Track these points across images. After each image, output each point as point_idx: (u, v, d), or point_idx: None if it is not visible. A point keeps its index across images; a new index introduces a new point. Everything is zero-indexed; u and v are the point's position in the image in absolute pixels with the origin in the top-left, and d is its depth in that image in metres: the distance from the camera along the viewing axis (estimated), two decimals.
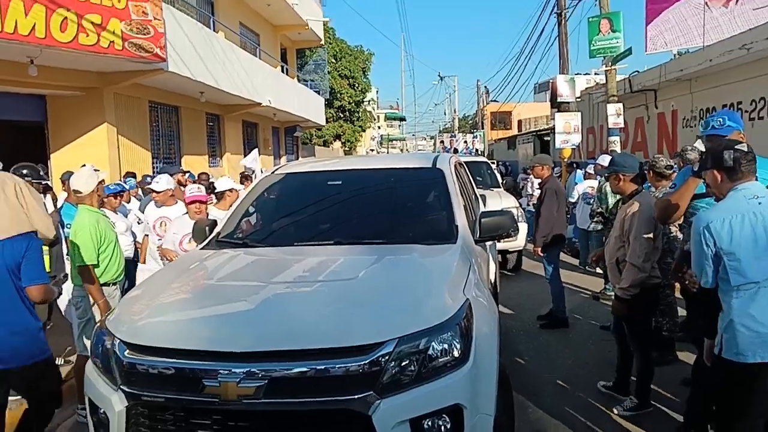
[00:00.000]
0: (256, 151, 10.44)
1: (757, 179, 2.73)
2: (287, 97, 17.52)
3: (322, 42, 23.58)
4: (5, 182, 3.02)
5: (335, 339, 2.29)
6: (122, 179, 8.91)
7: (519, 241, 8.62)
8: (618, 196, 4.79)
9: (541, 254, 6.49)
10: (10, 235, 2.95)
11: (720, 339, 2.66)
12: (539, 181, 6.98)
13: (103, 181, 4.85)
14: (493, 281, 4.95)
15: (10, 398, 3.32)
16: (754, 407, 2.64)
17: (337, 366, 2.22)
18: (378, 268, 2.95)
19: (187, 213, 5.25)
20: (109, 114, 9.94)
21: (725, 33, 13.87)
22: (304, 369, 2.23)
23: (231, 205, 5.62)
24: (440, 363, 2.33)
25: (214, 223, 3.99)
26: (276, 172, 4.47)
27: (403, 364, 2.26)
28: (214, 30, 13.57)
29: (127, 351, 2.44)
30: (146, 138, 11.33)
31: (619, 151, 13.43)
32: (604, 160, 9.28)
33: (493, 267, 5.21)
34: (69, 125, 9.77)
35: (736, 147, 2.67)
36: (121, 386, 2.41)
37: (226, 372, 2.24)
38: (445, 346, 2.35)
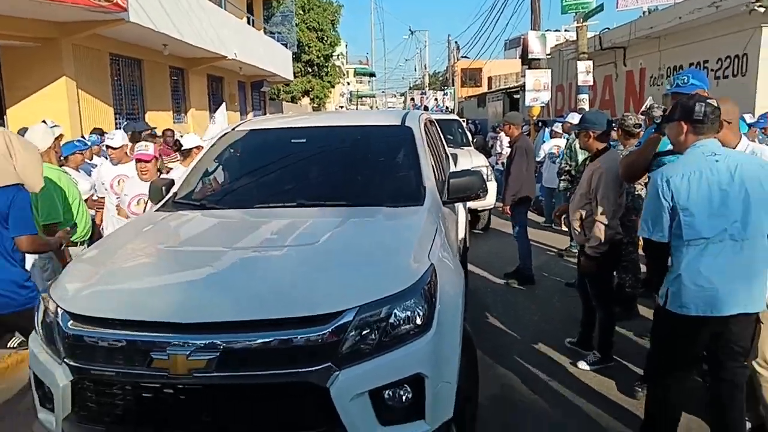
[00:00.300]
0: (223, 106, 10.21)
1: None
2: (254, 50, 17.06)
3: None
4: None
5: (291, 309, 2.18)
6: (83, 136, 8.64)
7: (489, 200, 8.62)
8: (586, 154, 4.90)
9: (510, 213, 6.58)
10: None
11: (666, 291, 2.77)
12: (509, 139, 7.01)
13: (60, 136, 4.71)
14: (461, 241, 4.94)
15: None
16: (686, 358, 2.83)
17: (292, 337, 2.13)
18: (340, 231, 2.82)
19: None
20: (67, 66, 9.54)
21: None
22: (257, 340, 2.13)
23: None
24: (402, 331, 2.25)
25: (172, 183, 3.78)
26: (237, 129, 4.23)
27: (364, 333, 2.18)
28: None
29: (71, 322, 2.30)
30: (108, 92, 10.95)
31: (587, 109, 13.53)
32: (573, 118, 9.35)
33: (462, 227, 5.19)
34: (25, 78, 9.35)
35: (707, 101, 2.72)
36: (65, 359, 2.28)
37: (175, 344, 2.13)
38: (408, 313, 2.27)
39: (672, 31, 12.47)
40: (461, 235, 5.01)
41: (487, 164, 9.26)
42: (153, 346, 2.15)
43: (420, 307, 2.30)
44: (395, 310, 2.24)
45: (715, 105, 2.71)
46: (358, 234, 2.90)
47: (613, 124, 6.66)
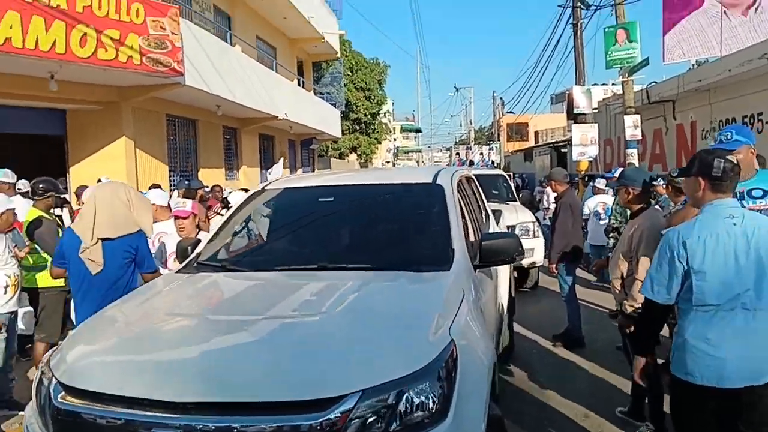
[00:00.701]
0: (281, 161, 10.58)
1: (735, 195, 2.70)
2: (303, 110, 17.63)
3: (338, 55, 23.74)
4: (119, 190, 3.80)
5: (287, 391, 1.98)
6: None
7: (537, 257, 8.48)
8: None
9: (556, 271, 6.40)
10: (125, 233, 3.71)
11: (671, 355, 2.66)
12: (555, 194, 6.90)
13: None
14: (503, 307, 4.66)
15: None
16: (695, 426, 2.64)
17: (286, 424, 1.91)
18: (355, 299, 2.65)
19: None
20: (127, 128, 10.07)
21: (744, 42, 13.68)
22: (247, 425, 1.93)
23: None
24: (414, 420, 1.99)
25: (198, 242, 3.72)
26: (266, 189, 4.12)
27: (369, 421, 1.93)
28: (230, 44, 13.73)
29: (62, 394, 2.17)
30: (163, 151, 11.45)
31: (636, 164, 13.30)
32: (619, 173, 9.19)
33: (505, 290, 4.92)
34: (88, 139, 9.91)
35: (727, 157, 2.58)
36: None
37: (162, 424, 1.98)
38: (422, 398, 2.01)
39: (722, 84, 12.24)
40: (504, 299, 4.77)
41: (533, 220, 9.06)
42: (139, 425, 2.01)
43: (435, 392, 2.05)
44: (406, 395, 2.00)
45: (735, 162, 2.57)
46: (373, 303, 2.69)
47: (662, 180, 6.50)
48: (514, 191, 10.53)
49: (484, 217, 5.10)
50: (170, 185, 11.15)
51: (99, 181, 9.04)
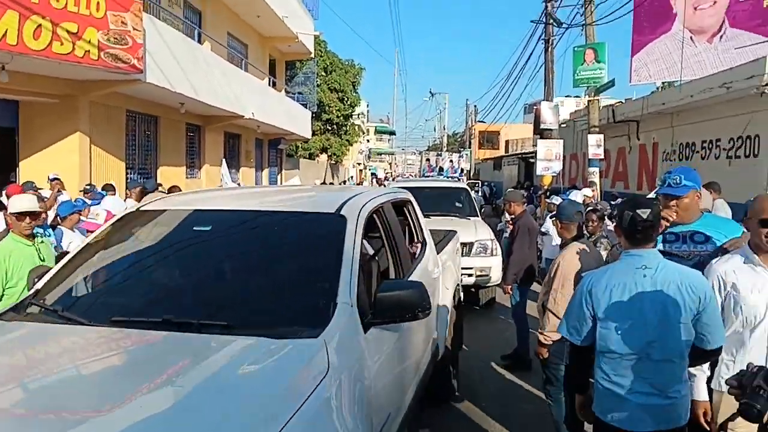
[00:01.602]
0: (225, 168, 10.48)
1: (656, 245, 2.72)
2: (272, 110, 17.41)
3: (313, 55, 23.55)
4: None
5: None
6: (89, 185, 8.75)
7: (493, 276, 8.19)
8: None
9: (510, 292, 6.44)
10: None
11: (590, 390, 2.76)
12: (512, 217, 6.93)
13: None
14: (425, 361, 3.97)
15: None
16: None
17: None
18: (158, 394, 2.01)
19: None
20: (83, 123, 9.76)
21: (708, 68, 14.03)
22: None
23: None
24: None
25: (48, 270, 3.10)
26: (144, 209, 3.47)
27: None
28: (199, 41, 13.47)
29: None
30: (121, 148, 11.16)
31: (597, 181, 13.49)
32: (576, 196, 9.28)
33: (431, 341, 4.19)
34: (41, 132, 9.58)
35: (637, 210, 2.56)
36: None
37: None
38: None
39: (684, 109, 12.49)
40: (426, 356, 3.99)
41: (492, 237, 8.68)
42: None
43: None
44: None
45: (645, 217, 2.53)
46: (176, 401, 1.98)
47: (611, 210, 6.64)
48: (476, 206, 10.25)
49: (419, 249, 4.60)
50: (126, 183, 10.88)
51: (48, 177, 8.77)
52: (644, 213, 2.57)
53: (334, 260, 2.76)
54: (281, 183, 20.87)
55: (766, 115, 9.98)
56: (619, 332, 2.50)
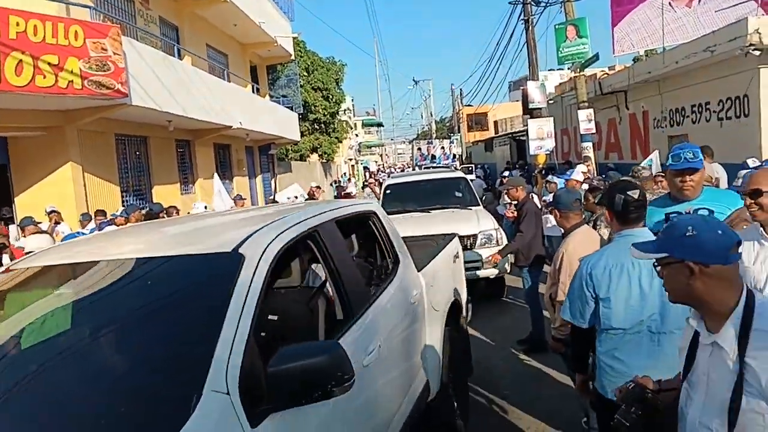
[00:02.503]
0: (218, 182, 10.49)
1: (645, 224, 2.83)
2: (259, 117, 17.35)
3: (293, 57, 23.44)
4: None
5: None
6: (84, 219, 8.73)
7: (501, 269, 7.91)
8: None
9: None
10: None
11: (590, 369, 2.94)
12: (515, 202, 6.99)
13: None
14: (405, 414, 3.23)
15: None
16: None
17: None
18: None
19: None
20: (73, 152, 9.72)
21: (690, 32, 14.03)
22: None
23: None
24: None
25: None
26: (12, 267, 2.81)
27: None
28: (179, 56, 13.40)
29: None
30: (114, 172, 11.11)
31: (591, 155, 13.50)
32: (578, 175, 9.29)
33: (397, 403, 3.19)
34: (32, 166, 9.54)
35: (628, 192, 2.74)
36: None
37: None
38: None
39: (670, 75, 12.50)
40: (404, 406, 3.25)
41: (496, 226, 8.37)
42: None
43: None
44: None
45: (636, 197, 2.71)
46: None
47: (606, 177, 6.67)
48: (476, 194, 9.93)
49: (389, 269, 3.84)
50: (123, 206, 10.86)
51: (46, 210, 8.74)
52: (634, 194, 2.74)
53: (210, 323, 1.98)
54: (276, 188, 20.85)
55: (754, 75, 10.00)
56: (621, 309, 2.66)
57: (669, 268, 1.75)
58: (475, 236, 8.02)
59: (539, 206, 7.46)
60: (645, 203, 2.79)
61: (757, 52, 9.51)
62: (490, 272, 7.89)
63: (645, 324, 2.63)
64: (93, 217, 8.78)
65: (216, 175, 11.58)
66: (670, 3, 14.31)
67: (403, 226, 8.04)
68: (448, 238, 5.53)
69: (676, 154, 3.18)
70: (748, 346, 1.61)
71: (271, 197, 15.39)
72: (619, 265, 2.68)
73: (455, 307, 4.72)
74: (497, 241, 8.05)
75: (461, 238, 7.51)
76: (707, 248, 1.66)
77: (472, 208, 9.14)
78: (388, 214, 8.80)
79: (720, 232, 1.68)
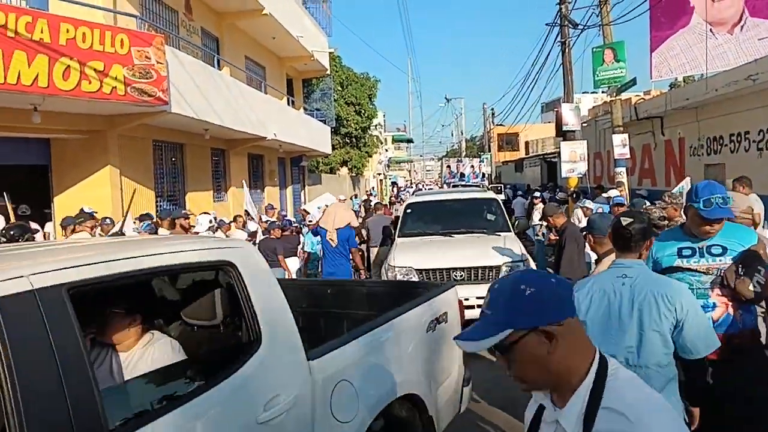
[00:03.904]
0: (247, 191, 10.57)
1: (641, 256, 2.78)
2: (293, 129, 17.57)
3: (328, 71, 23.73)
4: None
5: None
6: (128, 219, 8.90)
7: None
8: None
9: None
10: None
11: None
12: (556, 228, 6.98)
13: None
14: None
15: None
16: None
17: None
18: None
19: None
20: (113, 156, 9.96)
21: (731, 59, 13.80)
22: None
23: None
24: None
25: None
26: None
27: None
28: (218, 67, 13.68)
29: None
30: (150, 177, 11.35)
31: (625, 181, 13.33)
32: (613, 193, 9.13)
33: None
34: (73, 168, 9.80)
35: (621, 218, 2.79)
36: None
37: None
38: None
39: (709, 102, 12.32)
40: None
41: (524, 257, 7.59)
42: None
43: None
44: None
45: (629, 225, 2.71)
46: None
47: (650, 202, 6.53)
48: (508, 219, 9.00)
49: (247, 345, 2.62)
50: (156, 212, 11.06)
51: (81, 210, 8.95)
52: (625, 221, 2.74)
53: None
54: (306, 199, 21.03)
55: None
56: (598, 335, 2.61)
57: (518, 347, 1.29)
58: (498, 268, 7.34)
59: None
60: (634, 235, 2.71)
61: None
62: None
63: (622, 356, 2.57)
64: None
65: (244, 182, 11.69)
66: (711, 30, 14.12)
67: (411, 252, 7.77)
68: (442, 287, 4.11)
69: (707, 199, 2.95)
70: (594, 428, 1.28)
71: (302, 208, 15.50)
72: (601, 291, 2.67)
73: (414, 414, 3.38)
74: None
75: (482, 269, 7.33)
76: (554, 301, 1.32)
77: (502, 234, 8.33)
78: (406, 236, 8.57)
79: (553, 280, 1.36)
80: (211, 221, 8.61)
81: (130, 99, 8.60)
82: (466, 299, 6.08)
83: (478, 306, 6.20)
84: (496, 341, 1.28)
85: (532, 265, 7.68)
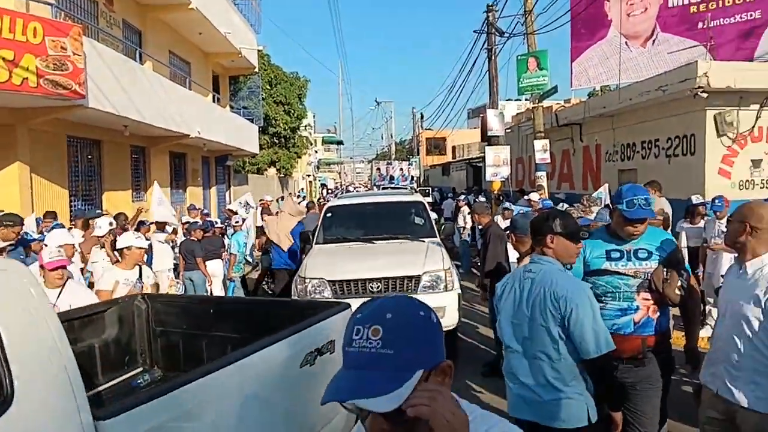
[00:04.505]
0: (158, 192, 10.15)
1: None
2: (218, 127, 17.13)
3: (257, 69, 23.29)
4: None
5: None
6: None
7: (449, 319, 6.45)
8: None
9: (486, 301, 6.67)
10: None
11: None
12: (480, 227, 7.21)
13: None
14: None
15: None
16: None
17: None
18: None
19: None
20: (22, 152, 9.36)
21: (644, 71, 14.65)
22: None
23: (136, 264, 5.22)
24: None
25: None
26: None
27: None
28: (140, 61, 13.14)
29: None
30: (64, 175, 10.74)
31: (545, 185, 13.86)
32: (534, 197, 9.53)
33: None
34: None
35: (529, 218, 3.07)
36: None
37: None
38: None
39: (623, 111, 13.00)
40: None
41: (446, 266, 6.80)
42: None
43: None
44: None
45: (536, 219, 2.94)
46: None
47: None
48: (434, 223, 8.40)
49: None
50: (70, 212, 10.49)
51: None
52: (533, 216, 3.04)
53: None
54: (231, 200, 20.54)
55: (700, 116, 10.50)
56: (506, 324, 2.83)
57: (419, 397, 1.01)
58: (418, 278, 6.59)
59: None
60: (534, 232, 2.89)
61: (705, 94, 10.01)
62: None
63: (522, 345, 2.75)
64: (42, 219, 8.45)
65: (156, 184, 11.21)
66: (626, 42, 14.93)
67: (324, 261, 7.00)
68: (333, 309, 3.62)
69: (630, 200, 3.09)
70: None
71: (227, 208, 15.14)
72: (510, 285, 2.86)
73: None
74: (447, 285, 6.62)
75: (401, 280, 6.59)
76: (439, 336, 1.12)
77: (426, 240, 7.70)
78: (326, 242, 8.01)
79: (417, 302, 1.15)
80: (111, 223, 8.09)
81: (42, 91, 8.12)
82: None
83: None
84: (411, 389, 1.02)
85: (454, 275, 6.89)
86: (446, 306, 6.38)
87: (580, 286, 2.75)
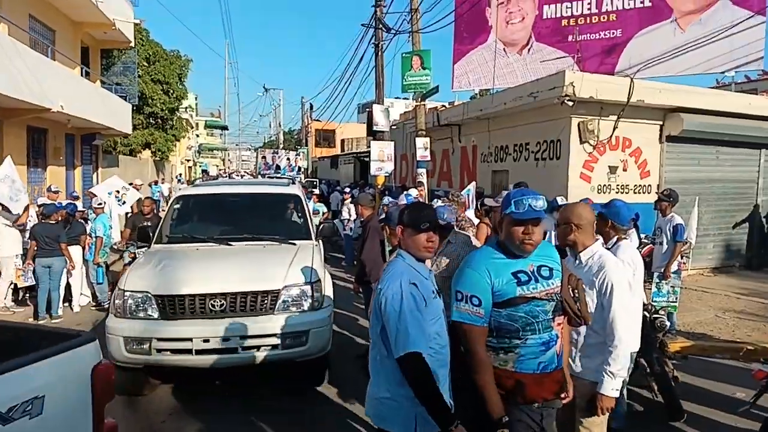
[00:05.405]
0: (6, 168, 9.18)
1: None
2: (85, 102, 15.83)
3: (133, 44, 21.81)
4: None
5: None
6: None
7: (313, 343, 5.20)
8: None
9: (360, 292, 6.70)
10: None
11: None
12: (362, 219, 7.20)
13: None
14: None
15: None
16: None
17: None
18: None
19: None
20: None
21: (519, 77, 15.45)
22: None
23: None
24: None
25: None
26: None
27: None
28: None
29: None
30: None
31: (424, 181, 14.20)
32: (408, 198, 9.72)
33: None
34: None
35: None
36: None
37: None
38: None
39: (498, 115, 13.60)
40: None
41: (318, 278, 5.47)
42: None
43: None
44: None
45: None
46: None
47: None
48: (310, 222, 6.98)
49: None
50: None
51: None
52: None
53: None
54: (98, 182, 19.11)
55: (566, 123, 11.22)
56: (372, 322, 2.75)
57: None
58: (276, 294, 5.23)
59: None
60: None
61: (571, 103, 10.69)
62: (292, 353, 5.14)
63: (374, 341, 2.68)
64: None
65: (8, 159, 10.06)
66: (504, 49, 15.63)
67: (154, 269, 5.44)
68: (60, 346, 2.55)
69: (518, 201, 2.63)
70: None
71: (89, 190, 14.04)
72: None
73: None
74: (314, 303, 5.33)
75: (253, 296, 5.16)
76: None
77: (298, 242, 6.37)
78: (170, 242, 6.42)
79: None
80: None
81: None
82: (206, 340, 4.86)
83: (223, 351, 4.88)
84: None
85: (329, 284, 5.74)
86: (310, 330, 5.14)
87: (398, 278, 2.54)
